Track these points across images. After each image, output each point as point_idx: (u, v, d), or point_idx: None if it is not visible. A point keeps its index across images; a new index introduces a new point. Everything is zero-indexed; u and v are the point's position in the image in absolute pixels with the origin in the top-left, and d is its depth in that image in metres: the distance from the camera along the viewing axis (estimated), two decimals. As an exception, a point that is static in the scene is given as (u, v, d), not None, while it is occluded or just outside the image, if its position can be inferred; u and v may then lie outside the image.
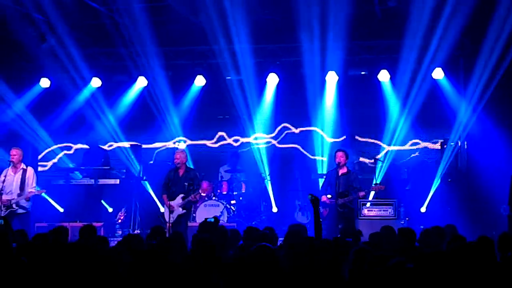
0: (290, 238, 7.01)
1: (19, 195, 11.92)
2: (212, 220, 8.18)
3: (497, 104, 14.29)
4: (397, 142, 15.55)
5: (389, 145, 15.59)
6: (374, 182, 13.84)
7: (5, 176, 12.05)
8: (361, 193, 12.04)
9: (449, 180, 14.45)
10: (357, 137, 15.60)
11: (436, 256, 5.52)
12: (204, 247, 6.10)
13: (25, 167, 12.19)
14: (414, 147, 15.95)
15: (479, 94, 14.20)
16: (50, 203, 15.54)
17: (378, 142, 15.72)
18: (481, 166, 14.24)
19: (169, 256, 6.20)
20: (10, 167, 12.17)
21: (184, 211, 12.12)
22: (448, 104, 15.23)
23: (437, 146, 15.54)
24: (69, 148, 17.07)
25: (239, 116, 16.01)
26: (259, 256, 5.26)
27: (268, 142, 16.48)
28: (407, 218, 14.11)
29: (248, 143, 15.95)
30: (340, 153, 12.31)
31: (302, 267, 4.98)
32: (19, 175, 12.07)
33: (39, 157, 16.79)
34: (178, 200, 12.14)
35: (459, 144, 14.78)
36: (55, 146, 16.90)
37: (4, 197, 11.86)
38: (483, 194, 13.97)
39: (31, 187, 12.08)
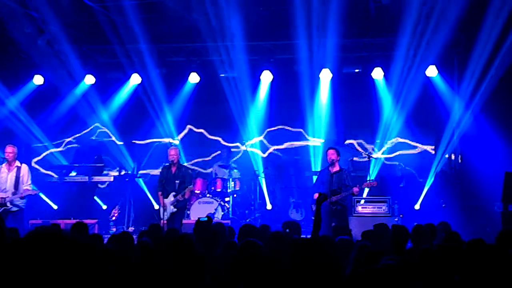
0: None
1: (13, 193, 11.84)
2: (206, 219, 8.14)
3: (491, 101, 14.31)
4: (390, 138, 15.59)
5: (382, 141, 15.62)
6: (368, 179, 13.87)
7: (-3, 174, 11.98)
8: (355, 189, 12.04)
9: (444, 182, 14.45)
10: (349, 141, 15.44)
11: (427, 253, 5.54)
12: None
13: (19, 165, 12.10)
14: (414, 151, 15.94)
15: (473, 92, 14.23)
16: (44, 200, 15.51)
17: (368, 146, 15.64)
18: (475, 163, 14.27)
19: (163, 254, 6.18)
20: (3, 164, 12.08)
21: (176, 209, 12.09)
22: (442, 101, 15.26)
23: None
24: (62, 145, 17.01)
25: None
26: (245, 252, 5.27)
27: (261, 140, 16.48)
28: (401, 215, 14.14)
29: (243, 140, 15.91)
30: (331, 151, 12.29)
31: (297, 266, 4.97)
32: (13, 172, 11.98)
33: (36, 158, 16.74)
34: (170, 198, 12.14)
35: (453, 141, 14.82)
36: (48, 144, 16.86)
37: (-1, 195, 11.80)
38: (477, 191, 14.01)
39: (26, 184, 12.01)
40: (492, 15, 13.13)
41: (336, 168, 12.24)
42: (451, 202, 14.42)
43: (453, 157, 14.86)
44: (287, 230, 8.04)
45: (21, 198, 11.88)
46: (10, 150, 12.04)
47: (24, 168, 12.12)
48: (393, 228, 7.94)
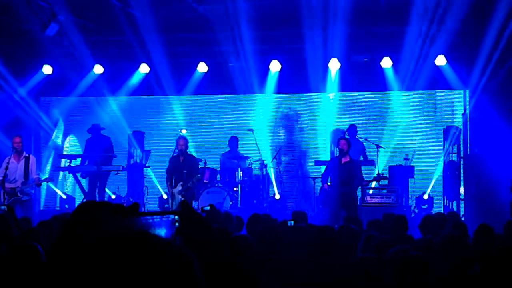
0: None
1: (23, 183, 11.91)
2: (208, 208, 8.16)
3: (500, 90, 14.27)
4: (399, 127, 15.58)
5: (391, 131, 15.61)
6: (376, 170, 13.87)
7: (7, 164, 12.03)
8: (364, 182, 12.12)
9: (453, 172, 14.41)
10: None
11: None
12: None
13: (27, 155, 12.18)
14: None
15: (482, 81, 14.18)
16: (53, 189, 15.59)
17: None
18: (483, 153, 14.23)
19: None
20: (12, 155, 12.13)
21: (183, 199, 12.15)
22: (451, 90, 15.24)
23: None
24: (71, 135, 17.08)
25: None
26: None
27: (269, 130, 16.48)
28: (410, 205, 14.15)
29: (251, 129, 15.86)
30: (343, 141, 12.34)
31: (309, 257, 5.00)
32: (22, 163, 12.05)
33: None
34: (179, 187, 12.21)
35: (462, 131, 14.79)
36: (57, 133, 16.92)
37: (8, 185, 11.84)
38: (486, 181, 13.97)
39: (35, 174, 12.11)
40: (502, 5, 13.05)
41: (347, 158, 12.28)
42: (460, 191, 14.40)
43: (462, 147, 14.82)
44: (291, 223, 8.03)
45: (38, 186, 12.04)
46: (18, 140, 12.13)
47: (32, 158, 12.20)
48: (393, 218, 7.96)
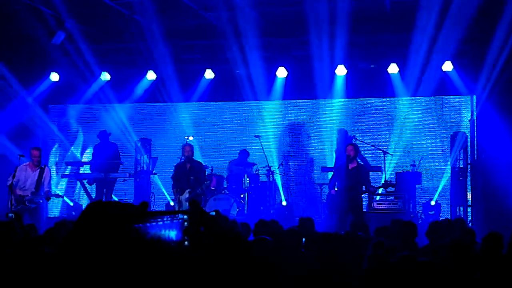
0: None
1: (33, 193, 11.85)
2: (213, 214, 8.20)
3: (507, 96, 14.23)
4: (406, 133, 15.55)
5: (398, 137, 15.58)
6: (383, 177, 13.85)
7: (21, 171, 11.95)
8: (371, 189, 12.14)
9: (460, 178, 14.37)
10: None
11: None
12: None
13: (42, 166, 12.14)
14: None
15: (489, 87, 14.15)
16: (69, 198, 15.64)
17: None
18: (491, 159, 14.19)
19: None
20: (28, 163, 12.08)
21: (193, 200, 12.16)
22: (458, 96, 15.21)
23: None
24: (79, 142, 17.11)
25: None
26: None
27: (276, 136, 16.47)
28: (417, 211, 14.11)
29: (258, 136, 15.84)
30: (350, 147, 12.36)
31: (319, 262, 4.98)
32: (36, 172, 11.99)
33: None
34: (186, 194, 12.21)
35: (469, 137, 14.76)
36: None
37: (18, 192, 11.82)
38: (493, 187, 13.93)
39: (48, 186, 12.05)
40: (508, 11, 13.04)
41: (354, 164, 12.28)
42: (467, 198, 14.36)
43: (469, 153, 14.77)
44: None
45: (47, 200, 11.96)
46: (37, 154, 12.05)
47: (48, 170, 12.16)
48: (401, 224, 7.94)
